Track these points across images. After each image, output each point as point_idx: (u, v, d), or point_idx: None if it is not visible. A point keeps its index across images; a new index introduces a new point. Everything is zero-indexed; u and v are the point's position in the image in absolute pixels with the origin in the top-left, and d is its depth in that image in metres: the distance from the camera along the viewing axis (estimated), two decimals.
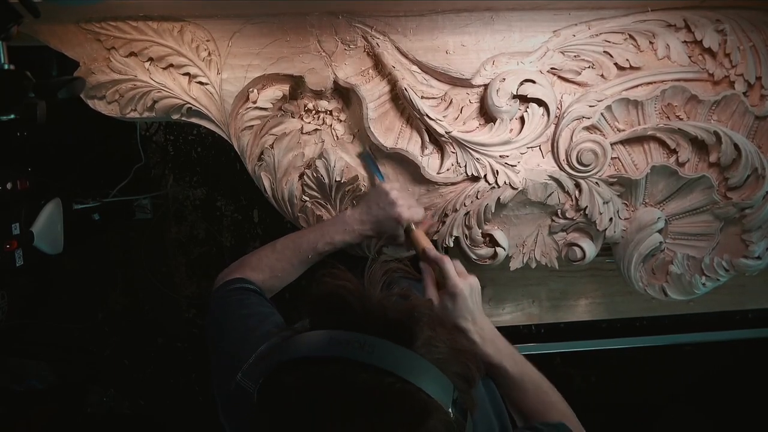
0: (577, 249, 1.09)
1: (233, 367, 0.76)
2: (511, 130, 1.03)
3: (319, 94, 1.03)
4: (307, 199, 1.08)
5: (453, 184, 1.04)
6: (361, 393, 0.50)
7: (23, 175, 1.32)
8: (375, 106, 1.01)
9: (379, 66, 1.02)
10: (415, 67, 1.02)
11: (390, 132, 1.04)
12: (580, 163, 1.03)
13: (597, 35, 1.02)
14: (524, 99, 1.01)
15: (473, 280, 0.88)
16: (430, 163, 1.04)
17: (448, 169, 1.03)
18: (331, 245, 0.99)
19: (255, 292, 0.93)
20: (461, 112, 1.03)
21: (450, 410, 0.52)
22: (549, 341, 1.47)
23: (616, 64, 1.02)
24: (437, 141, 1.03)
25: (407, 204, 0.98)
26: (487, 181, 1.03)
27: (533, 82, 0.99)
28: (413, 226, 0.99)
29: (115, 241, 2.28)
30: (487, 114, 1.03)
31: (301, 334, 0.56)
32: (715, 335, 1.51)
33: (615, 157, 1.05)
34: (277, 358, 0.55)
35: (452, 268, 0.88)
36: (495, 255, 1.08)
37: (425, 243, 0.96)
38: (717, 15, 1.01)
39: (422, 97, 1.00)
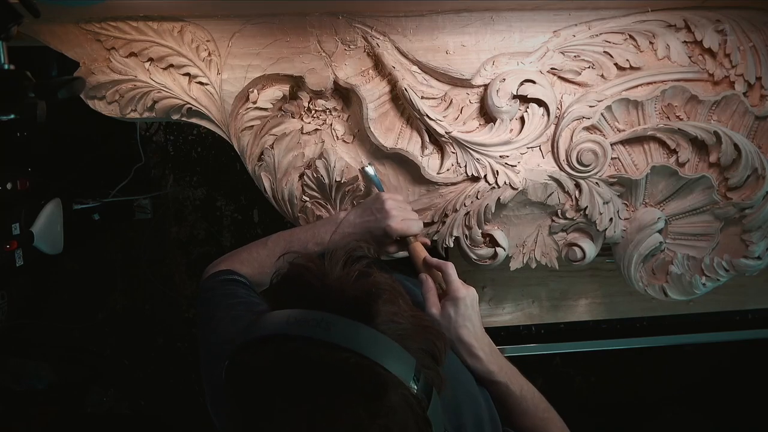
0: (577, 249, 1.09)
1: (220, 354, 0.76)
2: (511, 130, 1.03)
3: (319, 95, 1.03)
4: (307, 199, 1.08)
5: (453, 184, 1.04)
6: (317, 369, 0.50)
7: (23, 175, 1.33)
8: (375, 107, 1.01)
9: (379, 66, 1.02)
10: (415, 68, 1.02)
11: (390, 132, 1.04)
12: (580, 163, 1.03)
13: (597, 35, 1.02)
14: (524, 99, 1.01)
15: (473, 292, 0.87)
16: (430, 163, 1.04)
17: (448, 170, 1.03)
18: (321, 246, 0.99)
19: (243, 284, 0.93)
20: (461, 113, 1.03)
21: (412, 385, 0.52)
22: (549, 341, 1.47)
23: (616, 64, 1.02)
24: (437, 141, 1.03)
25: (401, 216, 0.97)
26: (487, 181, 1.03)
27: (533, 82, 0.99)
28: (411, 239, 0.97)
29: (115, 241, 2.28)
30: (487, 114, 1.03)
31: (262, 315, 0.57)
32: (715, 336, 1.51)
33: (615, 158, 1.06)
34: (240, 339, 0.56)
35: (456, 273, 0.87)
36: (495, 255, 1.08)
37: (424, 254, 0.95)
38: (717, 15, 1.01)
39: (422, 98, 1.00)
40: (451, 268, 0.88)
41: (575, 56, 1.02)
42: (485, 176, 1.03)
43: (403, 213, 0.98)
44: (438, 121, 0.99)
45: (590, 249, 1.09)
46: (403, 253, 1.07)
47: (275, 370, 0.52)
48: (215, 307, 0.88)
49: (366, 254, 0.62)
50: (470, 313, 0.85)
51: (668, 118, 1.04)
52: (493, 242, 1.09)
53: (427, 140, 1.03)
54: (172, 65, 1.00)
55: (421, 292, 0.90)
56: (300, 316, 0.54)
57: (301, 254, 0.61)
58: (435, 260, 0.91)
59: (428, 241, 1.04)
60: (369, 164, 1.05)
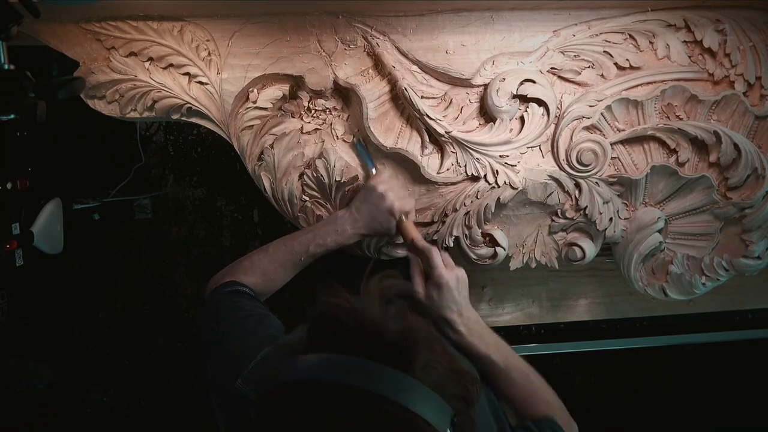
0: (577, 249, 1.09)
1: (233, 370, 0.75)
2: (511, 129, 1.03)
3: (319, 94, 1.03)
4: (307, 198, 1.08)
5: (453, 183, 1.04)
6: (357, 420, 0.50)
7: (23, 175, 1.33)
8: (375, 106, 1.01)
9: (379, 66, 1.02)
10: (415, 67, 1.02)
11: (390, 132, 1.04)
12: (580, 162, 1.03)
13: (597, 35, 1.02)
14: (524, 99, 1.01)
15: (460, 272, 0.89)
16: (430, 162, 1.04)
17: (448, 169, 1.03)
18: (323, 247, 0.99)
19: (248, 295, 0.92)
20: (461, 112, 1.03)
21: None
22: (549, 341, 1.47)
23: (616, 63, 1.02)
24: (437, 141, 1.03)
25: (397, 196, 0.98)
26: (487, 180, 1.03)
27: (533, 81, 0.99)
28: (404, 217, 0.99)
29: (115, 241, 2.28)
30: (487, 114, 1.03)
31: (298, 356, 0.55)
32: (715, 336, 1.51)
33: (615, 157, 1.05)
34: (275, 380, 0.55)
35: (439, 258, 0.89)
36: (495, 255, 1.08)
37: (414, 234, 0.97)
38: (717, 15, 1.01)
39: (422, 97, 1.00)
40: (434, 254, 0.90)
41: (575, 56, 1.02)
42: (485, 176, 1.03)
43: (398, 192, 1.00)
44: (438, 121, 0.99)
45: (590, 249, 1.09)
46: (404, 253, 1.07)
47: (313, 418, 0.51)
48: (222, 322, 0.87)
49: (399, 285, 0.61)
50: (453, 296, 0.87)
51: (668, 117, 1.04)
52: (492, 242, 1.09)
53: (427, 140, 1.03)
54: (171, 65, 1.00)
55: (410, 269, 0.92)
56: (338, 361, 0.53)
57: (332, 290, 0.59)
58: (420, 244, 0.93)
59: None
60: (359, 139, 1.05)
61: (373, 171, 1.04)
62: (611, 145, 1.03)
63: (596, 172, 1.04)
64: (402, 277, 0.80)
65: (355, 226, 0.99)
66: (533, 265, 1.13)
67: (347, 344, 0.54)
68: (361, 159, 1.05)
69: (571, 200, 1.07)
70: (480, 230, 1.06)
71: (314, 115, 1.06)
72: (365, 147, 1.05)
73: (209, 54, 1.00)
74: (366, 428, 0.50)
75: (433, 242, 1.08)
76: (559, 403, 0.90)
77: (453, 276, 0.88)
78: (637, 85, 1.03)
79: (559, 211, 1.08)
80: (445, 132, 1.00)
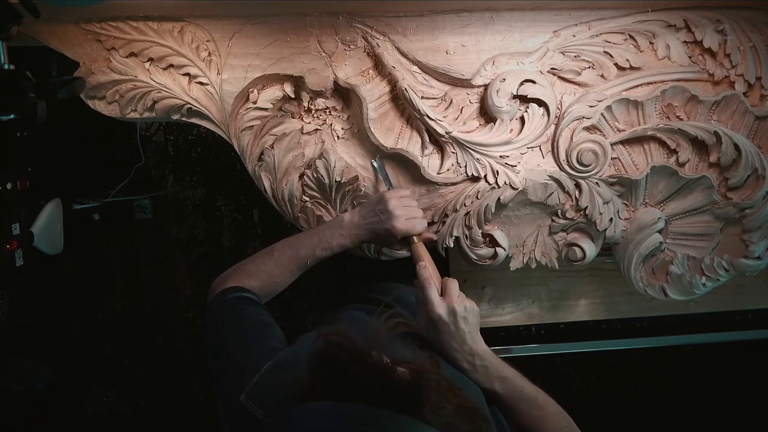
0: (577, 249, 1.09)
1: (237, 382, 0.75)
2: (511, 130, 1.03)
3: (319, 95, 1.03)
4: (307, 199, 1.08)
5: (453, 184, 1.04)
6: None
7: (23, 175, 1.33)
8: (375, 107, 1.01)
9: (379, 66, 1.02)
10: (415, 68, 1.02)
11: (390, 132, 1.04)
12: (580, 163, 1.03)
13: (597, 35, 1.02)
14: (524, 99, 1.01)
15: (459, 306, 0.84)
16: (430, 163, 1.04)
17: (448, 170, 1.03)
18: (329, 250, 0.98)
19: (252, 301, 0.92)
20: (461, 113, 1.03)
21: None
22: (549, 342, 1.47)
23: (616, 64, 1.02)
24: (437, 141, 1.03)
25: (405, 215, 0.96)
26: (487, 181, 1.03)
27: (533, 82, 0.99)
28: (414, 239, 0.97)
29: (115, 241, 2.29)
30: (487, 114, 1.03)
31: (304, 404, 0.54)
32: (715, 336, 1.51)
33: (615, 158, 1.06)
34: (283, 430, 0.54)
35: (433, 293, 0.85)
36: (495, 255, 1.08)
37: (422, 258, 0.94)
38: (717, 15, 1.01)
39: (422, 98, 1.00)
40: (427, 287, 0.86)
41: (575, 56, 1.02)
42: (485, 176, 1.03)
43: (407, 212, 0.97)
44: (438, 121, 0.99)
45: (590, 249, 1.09)
46: (405, 253, 1.07)
47: None
48: (227, 331, 0.86)
49: (405, 324, 0.60)
50: (448, 330, 0.83)
51: (668, 118, 1.04)
52: (493, 242, 1.09)
53: (427, 140, 1.03)
54: (172, 65, 1.00)
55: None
56: (346, 411, 0.52)
57: (337, 332, 0.58)
58: (420, 275, 0.89)
59: (434, 236, 1.04)
60: (377, 157, 1.05)
61: (388, 188, 1.03)
62: (611, 145, 1.03)
63: (596, 173, 1.04)
64: (407, 315, 0.80)
65: (359, 234, 0.98)
66: (533, 265, 1.13)
67: (354, 391, 0.53)
68: (380, 176, 1.05)
69: (572, 200, 1.07)
70: (480, 230, 1.06)
71: (314, 115, 1.06)
72: (383, 165, 1.05)
73: (209, 54, 1.00)
74: None
75: (434, 243, 1.07)
76: (570, 426, 0.88)
77: (446, 310, 0.83)
78: (638, 86, 1.03)
79: (559, 212, 1.08)
80: (446, 132, 1.00)
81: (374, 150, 1.05)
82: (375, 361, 0.55)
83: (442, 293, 0.86)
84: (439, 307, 0.84)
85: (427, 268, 0.91)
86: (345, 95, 1.05)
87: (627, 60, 1.01)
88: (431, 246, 1.06)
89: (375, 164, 1.05)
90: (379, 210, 0.97)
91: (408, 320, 0.67)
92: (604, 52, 1.02)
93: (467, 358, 0.84)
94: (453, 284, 0.87)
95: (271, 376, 0.74)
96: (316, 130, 1.06)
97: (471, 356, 0.84)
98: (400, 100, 1.03)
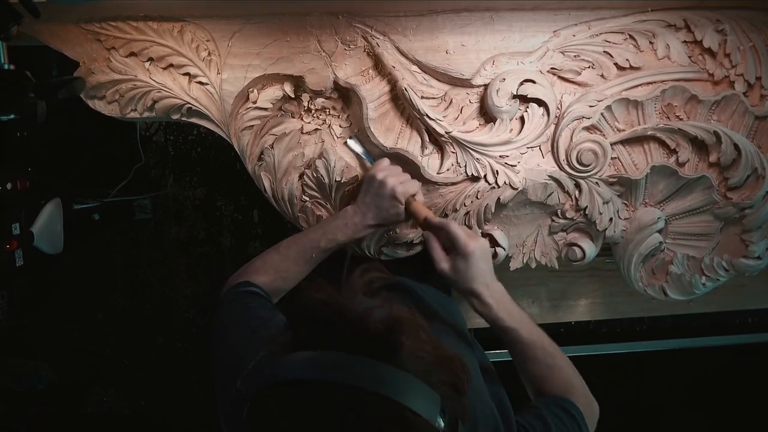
0: (577, 249, 1.09)
1: (234, 370, 0.76)
2: (511, 130, 1.03)
3: (319, 94, 1.03)
4: (307, 199, 1.08)
5: (453, 184, 1.04)
6: (344, 416, 0.50)
7: (23, 175, 1.32)
8: (375, 106, 1.01)
9: (379, 66, 1.02)
10: (415, 67, 1.02)
11: (390, 132, 1.04)
12: (580, 163, 1.03)
13: (597, 35, 1.02)
14: (524, 99, 1.01)
15: (484, 242, 0.88)
16: (430, 163, 1.04)
17: (448, 169, 1.03)
18: (334, 242, 0.99)
19: (258, 295, 0.93)
20: (461, 112, 1.03)
21: (438, 421, 0.52)
22: None
23: (616, 64, 1.02)
24: (437, 141, 1.03)
25: (398, 180, 0.97)
26: (487, 181, 1.03)
27: (533, 82, 0.99)
28: (411, 199, 0.98)
29: (115, 241, 2.28)
30: (487, 114, 1.03)
31: (284, 355, 0.55)
32: (715, 340, 1.51)
33: (615, 157, 1.05)
34: (262, 380, 0.55)
35: (460, 230, 0.88)
36: (495, 255, 1.08)
37: (425, 212, 0.96)
38: (717, 15, 1.01)
39: (422, 97, 1.00)
40: (453, 226, 0.88)
41: (575, 56, 1.02)
42: (485, 176, 1.03)
43: (398, 177, 0.98)
44: (438, 121, 0.99)
45: (590, 249, 1.09)
46: (406, 253, 1.07)
47: (301, 416, 0.51)
48: (229, 322, 0.88)
49: (382, 277, 0.61)
50: (480, 266, 0.86)
51: (668, 117, 1.04)
52: (492, 242, 1.08)
53: (427, 140, 1.03)
54: (172, 65, 1.00)
55: (427, 248, 0.91)
56: (322, 358, 0.53)
57: (315, 284, 0.59)
58: (437, 220, 0.92)
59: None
60: (349, 137, 1.05)
61: (370, 164, 1.04)
62: (611, 145, 1.03)
63: (596, 173, 1.04)
64: (384, 268, 0.81)
65: (364, 219, 0.99)
66: (533, 265, 1.13)
67: (332, 339, 0.54)
68: (358, 155, 1.05)
69: (571, 200, 1.07)
70: (480, 230, 1.06)
71: (314, 115, 1.06)
72: (359, 142, 1.05)
73: (209, 54, 1.00)
74: (354, 425, 0.50)
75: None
76: (581, 384, 0.89)
77: (478, 245, 0.86)
78: (637, 86, 1.03)
79: (559, 212, 1.08)
80: (445, 132, 1.00)
81: (373, 149, 1.05)
82: (351, 310, 0.55)
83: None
84: (474, 239, 0.86)
85: (436, 217, 0.94)
86: (345, 95, 1.05)
87: (627, 60, 1.01)
88: None
89: (350, 144, 1.04)
90: (373, 187, 0.97)
91: (384, 272, 0.68)
92: (604, 51, 1.02)
93: (493, 294, 0.86)
94: (465, 228, 0.91)
95: (265, 360, 0.75)
96: (316, 129, 1.06)
97: (495, 292, 0.87)
98: (400, 100, 1.03)
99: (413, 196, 0.99)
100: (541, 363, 0.87)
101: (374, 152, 1.05)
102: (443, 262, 0.88)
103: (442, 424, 0.52)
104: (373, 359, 0.52)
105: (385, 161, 1.02)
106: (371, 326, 0.54)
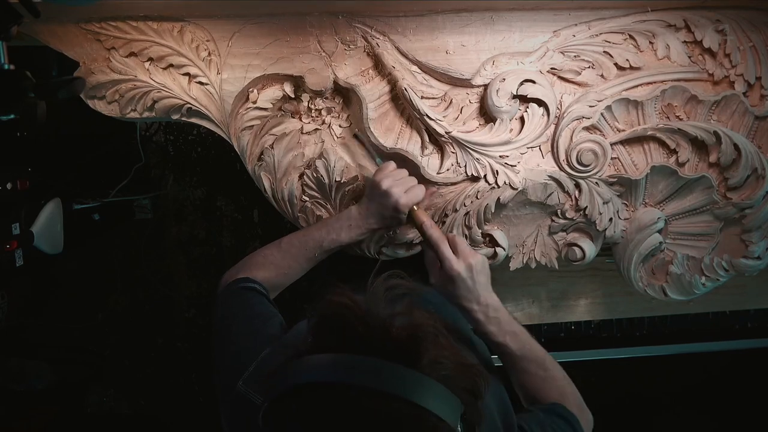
0: (577, 249, 1.09)
1: (236, 370, 0.76)
2: (511, 130, 1.03)
3: (319, 94, 1.03)
4: (307, 199, 1.08)
5: (453, 184, 1.04)
6: (368, 420, 0.50)
7: (23, 175, 1.32)
8: (375, 107, 1.01)
9: (379, 66, 1.02)
10: (415, 68, 1.02)
11: (390, 132, 1.04)
12: (580, 163, 1.03)
13: (597, 35, 1.02)
14: (524, 99, 1.01)
15: (474, 260, 0.88)
16: (430, 163, 1.04)
17: (448, 169, 1.03)
18: (337, 242, 0.99)
19: (258, 292, 0.93)
20: (461, 112, 1.03)
21: (459, 428, 0.52)
22: (548, 349, 1.47)
23: (616, 64, 1.02)
24: (437, 141, 1.03)
25: (402, 189, 0.97)
26: (487, 181, 1.03)
27: (533, 82, 0.99)
28: (414, 207, 0.98)
29: (115, 241, 2.28)
30: (487, 114, 1.03)
31: (305, 357, 0.55)
32: (715, 345, 1.51)
33: (615, 157, 1.05)
34: (282, 382, 0.54)
35: (448, 250, 0.89)
36: (495, 255, 1.08)
37: (425, 223, 0.96)
38: (717, 15, 1.01)
39: (422, 98, 1.00)
40: (443, 248, 0.89)
41: (575, 56, 1.02)
42: (485, 176, 1.03)
43: (402, 185, 0.97)
44: (438, 121, 0.99)
45: (590, 249, 1.09)
46: (407, 253, 1.07)
47: (323, 419, 0.51)
48: (229, 320, 0.88)
49: (405, 285, 0.61)
50: (466, 285, 0.87)
51: (668, 118, 1.04)
52: (492, 242, 1.09)
53: (427, 140, 1.03)
54: (171, 65, 1.00)
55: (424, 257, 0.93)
56: (346, 361, 0.52)
57: (338, 289, 0.59)
58: (430, 233, 0.93)
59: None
60: (357, 131, 1.06)
61: (378, 162, 1.03)
62: (611, 145, 1.03)
63: (596, 173, 1.04)
64: (408, 276, 0.81)
65: (367, 221, 0.99)
66: (533, 265, 1.13)
67: (354, 344, 0.53)
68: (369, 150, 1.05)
69: (571, 200, 1.07)
70: (480, 230, 1.06)
71: (314, 115, 1.06)
72: (361, 141, 1.05)
73: (209, 54, 1.00)
74: (380, 428, 0.50)
75: None
76: (575, 394, 0.90)
77: (464, 267, 0.87)
78: (637, 86, 1.03)
79: (559, 212, 1.08)
80: (445, 132, 1.00)
81: (374, 150, 1.05)
82: (374, 316, 0.55)
83: (454, 251, 0.89)
84: (457, 264, 0.87)
85: (434, 227, 0.94)
86: (345, 95, 1.05)
87: (627, 60, 1.01)
88: None
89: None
90: (377, 195, 0.97)
91: (406, 280, 0.69)
92: (604, 51, 1.02)
93: (483, 310, 0.87)
94: (461, 240, 0.91)
95: (268, 361, 0.75)
96: (316, 130, 1.06)
97: (486, 308, 0.88)
98: (399, 100, 1.03)
99: (417, 204, 0.99)
100: (532, 375, 0.88)
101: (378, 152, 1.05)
102: (434, 277, 0.90)
103: (461, 429, 0.53)
104: (397, 364, 0.52)
105: (391, 165, 1.01)
106: (394, 333, 0.54)
